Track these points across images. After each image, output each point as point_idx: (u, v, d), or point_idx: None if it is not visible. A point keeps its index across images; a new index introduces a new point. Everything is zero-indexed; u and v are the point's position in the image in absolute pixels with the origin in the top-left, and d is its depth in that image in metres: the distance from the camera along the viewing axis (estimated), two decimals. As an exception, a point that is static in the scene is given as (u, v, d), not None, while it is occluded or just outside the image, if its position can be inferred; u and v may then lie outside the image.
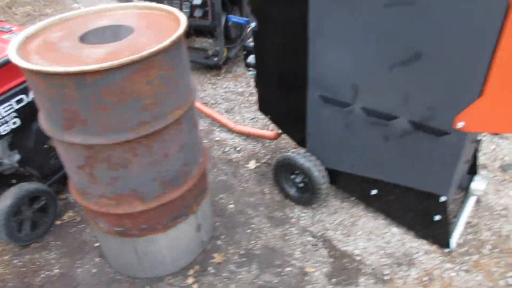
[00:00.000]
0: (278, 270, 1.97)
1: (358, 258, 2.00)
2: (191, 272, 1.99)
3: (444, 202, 1.86)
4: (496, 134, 2.62)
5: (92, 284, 1.96)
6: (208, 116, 2.98)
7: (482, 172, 2.39)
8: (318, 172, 2.10)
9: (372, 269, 1.95)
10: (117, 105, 1.42)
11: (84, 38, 1.57)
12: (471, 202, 2.16)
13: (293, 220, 2.22)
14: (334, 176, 2.18)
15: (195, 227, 1.98)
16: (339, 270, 1.96)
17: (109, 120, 1.44)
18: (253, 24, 2.01)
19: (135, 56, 1.33)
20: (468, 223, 2.12)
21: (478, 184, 2.02)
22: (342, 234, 2.12)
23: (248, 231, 2.17)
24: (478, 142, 2.16)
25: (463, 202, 2.18)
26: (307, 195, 2.21)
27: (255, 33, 2.05)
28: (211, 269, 2.00)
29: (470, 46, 1.44)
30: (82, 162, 1.56)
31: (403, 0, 1.51)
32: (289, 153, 2.17)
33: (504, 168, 2.42)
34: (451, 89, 1.57)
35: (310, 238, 2.11)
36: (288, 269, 1.98)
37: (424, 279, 1.89)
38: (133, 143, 1.52)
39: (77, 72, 1.30)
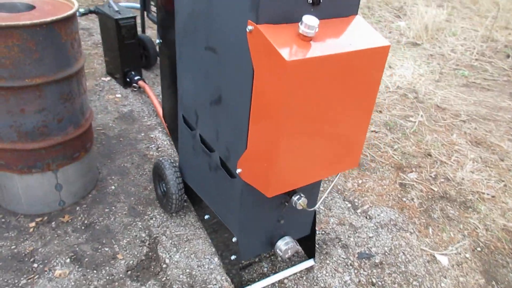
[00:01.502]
0: (98, 246, 2.24)
1: (164, 266, 2.17)
2: (38, 219, 2.36)
3: (236, 243, 1.96)
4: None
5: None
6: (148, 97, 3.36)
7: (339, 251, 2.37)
8: (174, 181, 2.32)
9: (167, 278, 2.11)
10: (-20, 56, 1.88)
11: (-5, 6, 2.06)
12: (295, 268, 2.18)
13: (146, 216, 2.46)
14: (191, 194, 2.38)
15: (54, 186, 2.35)
16: (141, 268, 2.15)
17: (-28, 65, 1.91)
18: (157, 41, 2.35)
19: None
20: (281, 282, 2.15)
21: (281, 244, 2.04)
22: (172, 244, 2.30)
23: (106, 210, 2.47)
24: (314, 213, 2.16)
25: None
26: (165, 200, 2.44)
27: (160, 48, 2.38)
28: (53, 224, 2.34)
29: (242, 100, 1.60)
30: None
31: (212, 46, 1.72)
32: (161, 159, 2.43)
33: (360, 257, 2.37)
34: (236, 135, 1.72)
35: (144, 235, 2.34)
36: (106, 249, 2.23)
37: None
38: (-8, 90, 1.96)
39: None
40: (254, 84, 1.48)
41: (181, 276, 2.13)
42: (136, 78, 3.64)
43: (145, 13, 4.04)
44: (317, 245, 2.39)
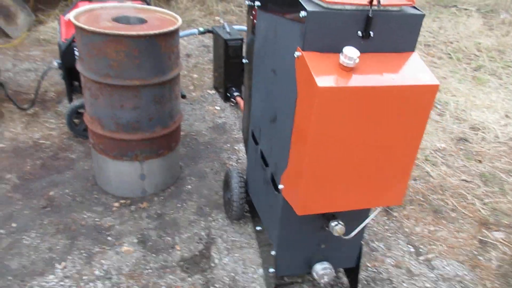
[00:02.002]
0: (163, 234, 2.52)
1: (212, 265, 2.35)
2: (122, 201, 2.74)
3: (274, 257, 2.05)
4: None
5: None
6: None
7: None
8: (237, 190, 2.50)
9: (211, 277, 2.28)
10: (95, 56, 2.31)
11: (116, 20, 2.50)
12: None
13: (210, 218, 2.67)
14: (252, 205, 2.53)
15: (139, 175, 2.71)
16: (192, 262, 2.36)
17: (90, 63, 2.35)
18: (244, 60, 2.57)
19: (104, 31, 2.19)
20: (316, 307, 2.16)
21: (319, 268, 2.04)
22: (225, 247, 2.47)
23: (178, 205, 2.76)
24: (360, 246, 2.12)
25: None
26: (228, 207, 2.63)
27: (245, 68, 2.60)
28: (132, 208, 2.70)
29: (288, 121, 1.70)
30: (83, 84, 2.53)
31: (274, 69, 1.87)
32: (231, 168, 2.63)
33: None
34: (282, 153, 1.82)
35: (203, 234, 2.55)
36: (168, 238, 2.50)
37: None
38: (101, 85, 2.39)
39: (79, 27, 2.26)
40: (296, 107, 1.59)
41: (224, 277, 2.28)
42: (235, 93, 3.95)
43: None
44: (364, 282, 2.33)
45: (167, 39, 2.40)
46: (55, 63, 3.24)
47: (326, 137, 1.49)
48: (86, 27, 2.25)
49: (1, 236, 2.42)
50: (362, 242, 2.13)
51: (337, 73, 1.45)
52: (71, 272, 2.23)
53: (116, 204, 2.71)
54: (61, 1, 5.73)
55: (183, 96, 3.72)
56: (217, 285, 2.23)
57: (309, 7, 1.47)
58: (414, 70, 1.54)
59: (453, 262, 2.54)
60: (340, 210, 1.75)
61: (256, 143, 2.28)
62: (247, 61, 2.55)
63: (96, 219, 2.58)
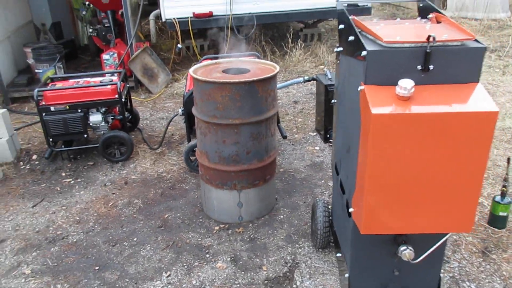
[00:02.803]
0: (253, 256, 2.78)
1: (294, 286, 2.52)
2: (222, 225, 3.10)
3: (348, 279, 2.15)
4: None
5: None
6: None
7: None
8: (321, 219, 2.68)
9: (292, 298, 2.45)
10: (206, 101, 2.79)
11: (225, 71, 2.99)
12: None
13: (297, 245, 2.87)
14: (335, 233, 2.67)
15: (237, 203, 3.06)
16: (276, 282, 2.56)
17: (202, 107, 2.84)
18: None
19: (213, 80, 2.67)
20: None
21: None
22: (308, 272, 2.62)
23: (269, 232, 3.02)
24: (438, 277, 2.09)
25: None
26: (313, 235, 2.80)
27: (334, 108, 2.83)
28: (230, 232, 3.03)
29: (357, 149, 1.89)
30: (196, 125, 3.03)
31: (348, 105, 2.09)
32: (317, 199, 2.82)
33: None
34: (353, 179, 2.00)
35: (289, 258, 2.75)
36: (257, 260, 2.75)
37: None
38: (209, 124, 2.85)
39: (195, 78, 2.78)
40: (360, 135, 1.78)
41: (301, 299, 2.43)
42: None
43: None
44: (450, 321, 2.26)
45: (264, 84, 2.78)
46: (180, 111, 3.87)
47: (384, 160, 1.65)
48: (199, 77, 2.76)
49: (125, 247, 2.94)
50: (442, 275, 2.12)
51: (394, 102, 1.63)
52: (174, 280, 2.61)
53: (216, 228, 3.08)
54: (194, 62, 6.72)
55: (284, 137, 4.07)
56: (298, 306, 2.39)
57: (370, 47, 1.70)
58: (473, 99, 1.63)
59: (561, 314, 2.30)
60: (402, 233, 1.83)
61: (338, 173, 2.46)
62: (335, 101, 2.80)
63: (199, 239, 2.97)
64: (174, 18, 5.91)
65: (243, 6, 6.10)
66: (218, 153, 2.92)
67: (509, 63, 6.36)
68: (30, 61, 5.82)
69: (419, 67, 1.69)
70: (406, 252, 1.90)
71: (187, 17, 5.97)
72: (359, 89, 1.76)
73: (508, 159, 2.87)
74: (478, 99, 1.63)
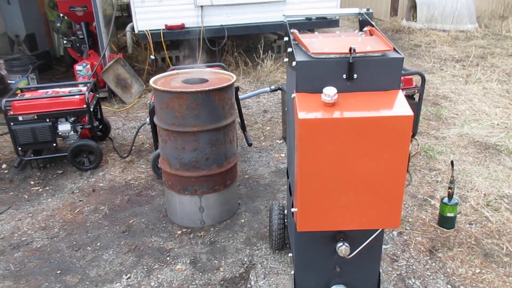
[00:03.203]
0: (211, 258, 2.89)
1: (248, 286, 2.64)
2: (184, 229, 3.21)
3: (293, 276, 2.28)
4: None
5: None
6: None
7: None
8: (275, 221, 2.80)
9: (245, 296, 2.56)
10: (165, 109, 2.92)
11: (184, 81, 3.12)
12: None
13: (255, 247, 2.99)
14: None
15: (198, 208, 3.17)
16: (232, 282, 2.68)
17: (161, 115, 2.96)
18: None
19: (170, 89, 2.80)
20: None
21: None
22: (263, 272, 2.74)
23: (230, 235, 3.13)
24: (378, 273, 2.22)
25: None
26: (270, 237, 2.93)
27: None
28: (191, 235, 3.14)
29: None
30: (158, 132, 3.15)
31: (291, 111, 2.24)
32: (273, 202, 2.94)
33: None
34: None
35: (246, 260, 2.86)
36: (215, 261, 2.86)
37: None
38: (169, 132, 2.97)
39: (154, 88, 2.90)
40: (295, 139, 1.93)
41: (258, 300, 2.55)
42: (297, 142, 4.32)
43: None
44: (392, 314, 2.40)
45: (220, 93, 2.92)
46: (148, 120, 3.99)
47: (313, 161, 1.79)
48: (158, 87, 2.89)
49: (88, 252, 3.02)
50: (381, 270, 2.26)
51: (320, 108, 1.78)
52: (133, 282, 2.70)
53: (179, 232, 3.18)
54: (165, 71, 6.84)
55: (250, 145, 4.21)
56: (250, 304, 2.50)
57: (299, 58, 1.85)
58: (391, 105, 1.79)
59: (495, 306, 2.46)
60: (335, 229, 1.97)
61: (288, 177, 2.60)
62: (287, 108, 2.95)
63: (161, 243, 3.07)
64: (146, 30, 6.05)
65: (215, 19, 6.27)
66: (178, 159, 3.04)
67: (472, 72, 6.64)
68: (3, 72, 5.88)
69: (344, 76, 1.85)
70: (342, 248, 2.04)
71: (159, 29, 6.11)
72: (292, 96, 1.90)
73: (451, 162, 3.05)
74: (396, 105, 1.79)
